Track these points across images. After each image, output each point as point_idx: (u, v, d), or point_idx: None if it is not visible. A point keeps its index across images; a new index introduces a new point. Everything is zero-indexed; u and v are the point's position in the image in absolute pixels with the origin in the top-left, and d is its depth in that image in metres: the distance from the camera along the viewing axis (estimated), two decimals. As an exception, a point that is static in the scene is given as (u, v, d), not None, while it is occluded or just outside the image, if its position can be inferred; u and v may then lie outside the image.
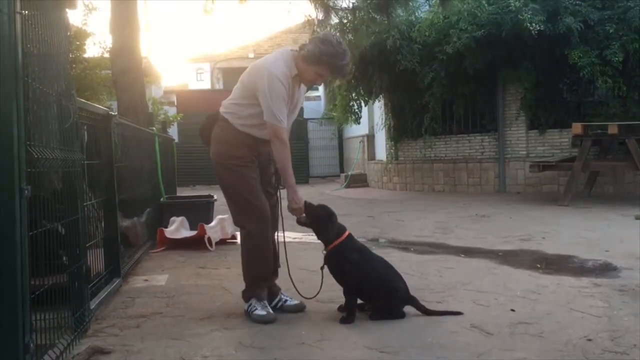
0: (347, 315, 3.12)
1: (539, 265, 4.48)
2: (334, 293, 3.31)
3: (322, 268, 3.29)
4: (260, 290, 3.33)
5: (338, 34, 9.84)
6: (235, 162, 3.28)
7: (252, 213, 3.26)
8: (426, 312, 3.19)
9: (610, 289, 3.68)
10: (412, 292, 3.54)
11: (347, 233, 3.28)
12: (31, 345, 2.14)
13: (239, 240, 4.43)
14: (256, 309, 3.23)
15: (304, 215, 3.28)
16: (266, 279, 3.38)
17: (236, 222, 3.46)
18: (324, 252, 3.27)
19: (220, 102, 3.45)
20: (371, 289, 3.18)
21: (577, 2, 9.07)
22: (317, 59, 3.19)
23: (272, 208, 3.40)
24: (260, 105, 3.18)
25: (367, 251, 3.39)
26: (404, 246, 5.60)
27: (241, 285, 3.42)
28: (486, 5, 9.26)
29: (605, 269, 4.29)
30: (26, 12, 2.26)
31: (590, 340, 2.74)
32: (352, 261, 3.20)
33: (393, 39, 10.20)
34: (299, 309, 3.39)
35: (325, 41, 3.22)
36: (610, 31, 8.79)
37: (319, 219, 3.29)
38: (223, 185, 3.37)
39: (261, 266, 3.35)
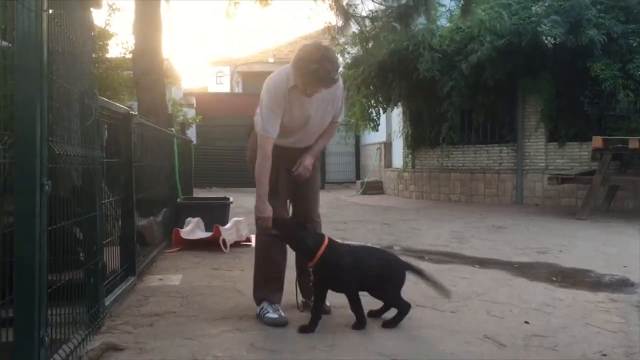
0: (358, 320, 3.11)
1: (554, 279, 4.43)
2: (346, 299, 3.29)
3: (313, 285, 3.17)
4: (272, 293, 3.35)
5: (357, 41, 9.86)
6: None
7: None
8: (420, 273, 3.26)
9: (627, 304, 3.63)
10: (426, 300, 3.52)
11: (327, 239, 3.15)
12: (46, 339, 2.17)
13: (253, 242, 4.46)
14: (268, 312, 3.24)
15: (270, 226, 3.23)
16: (270, 282, 3.39)
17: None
18: (310, 267, 3.14)
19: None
20: (369, 283, 3.15)
21: (601, 14, 8.99)
22: (294, 66, 3.15)
23: (305, 202, 3.57)
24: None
25: (353, 250, 3.35)
26: (419, 255, 5.57)
27: (254, 288, 3.44)
28: (506, 17, 9.17)
29: (622, 284, 4.23)
30: (52, 10, 2.29)
31: (605, 355, 2.70)
32: (343, 265, 3.09)
33: (413, 47, 10.17)
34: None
35: (303, 47, 3.21)
36: (634, 45, 8.68)
37: (287, 229, 3.20)
38: None
39: (266, 268, 3.38)
